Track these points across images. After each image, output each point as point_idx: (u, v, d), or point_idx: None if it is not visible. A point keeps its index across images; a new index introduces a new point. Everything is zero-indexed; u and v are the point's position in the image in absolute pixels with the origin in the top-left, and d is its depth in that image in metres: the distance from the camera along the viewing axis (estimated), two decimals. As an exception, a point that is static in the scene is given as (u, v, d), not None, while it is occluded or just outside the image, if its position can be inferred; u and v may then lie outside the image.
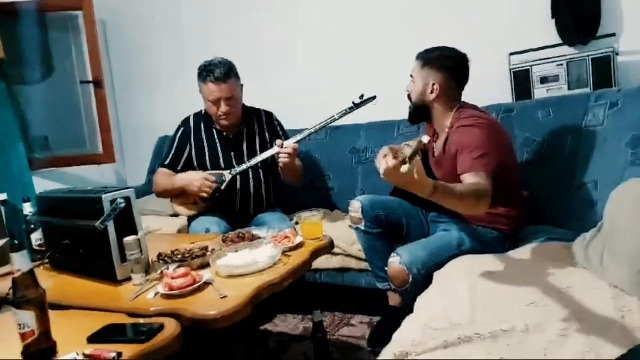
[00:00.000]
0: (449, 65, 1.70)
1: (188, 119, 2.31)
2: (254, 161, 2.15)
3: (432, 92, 1.71)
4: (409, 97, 1.80)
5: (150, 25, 3.45)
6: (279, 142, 2.07)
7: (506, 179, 1.60)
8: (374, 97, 2.08)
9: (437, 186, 1.29)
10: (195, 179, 2.11)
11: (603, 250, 1.27)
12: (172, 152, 2.26)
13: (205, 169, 2.21)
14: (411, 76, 1.77)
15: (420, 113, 1.79)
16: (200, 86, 2.16)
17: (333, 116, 2.11)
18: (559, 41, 2.23)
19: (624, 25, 2.15)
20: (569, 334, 0.99)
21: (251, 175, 2.23)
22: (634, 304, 1.09)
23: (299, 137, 2.11)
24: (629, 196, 1.28)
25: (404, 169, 1.15)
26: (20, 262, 0.98)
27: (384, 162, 1.20)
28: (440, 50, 1.72)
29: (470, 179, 1.49)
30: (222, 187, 2.14)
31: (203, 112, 2.29)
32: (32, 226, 1.77)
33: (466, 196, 1.41)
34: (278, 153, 2.06)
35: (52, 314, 1.02)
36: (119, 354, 0.95)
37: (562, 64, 2.11)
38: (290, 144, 2.05)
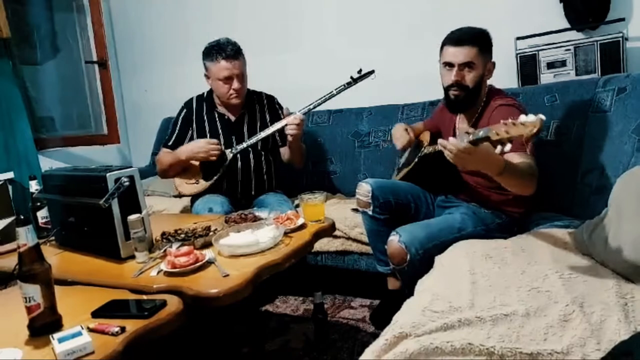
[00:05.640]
0: (491, 46, 1.72)
1: (191, 100, 2.31)
2: (263, 133, 2.15)
3: (489, 72, 1.72)
4: (462, 87, 1.66)
5: (155, 6, 3.42)
6: (286, 109, 2.06)
7: None
8: (372, 72, 2.08)
9: (506, 165, 1.36)
10: (199, 146, 2.13)
11: (607, 237, 1.26)
12: (175, 133, 2.26)
13: None
14: (470, 65, 1.64)
15: (469, 98, 1.70)
16: (207, 66, 2.14)
17: (332, 91, 2.10)
18: (567, 25, 2.19)
19: (634, 9, 2.11)
20: (571, 319, 0.99)
21: (252, 156, 2.23)
22: (637, 291, 1.09)
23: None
24: (634, 183, 1.26)
25: (500, 150, 1.15)
26: (25, 236, 0.98)
27: (451, 145, 1.26)
28: (481, 30, 1.69)
29: (516, 159, 1.48)
30: (226, 162, 2.14)
31: (205, 94, 2.29)
32: (38, 204, 1.79)
33: (526, 176, 1.46)
34: (285, 125, 2.08)
35: (57, 289, 1.03)
36: (122, 329, 0.97)
37: (569, 49, 2.08)
38: (297, 114, 2.07)
